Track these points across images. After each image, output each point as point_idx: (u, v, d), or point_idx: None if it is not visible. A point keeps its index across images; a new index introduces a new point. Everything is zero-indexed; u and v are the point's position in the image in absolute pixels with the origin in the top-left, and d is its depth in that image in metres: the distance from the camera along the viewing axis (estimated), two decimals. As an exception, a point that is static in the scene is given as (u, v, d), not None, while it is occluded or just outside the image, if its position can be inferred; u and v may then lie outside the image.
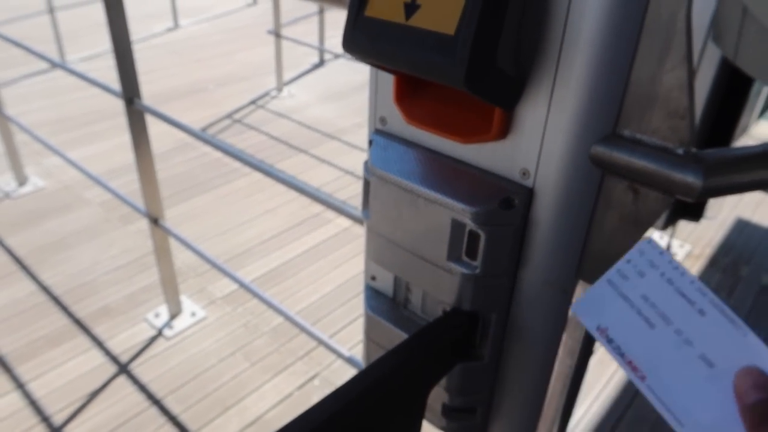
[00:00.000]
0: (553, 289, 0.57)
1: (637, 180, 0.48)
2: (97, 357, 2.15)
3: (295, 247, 2.73)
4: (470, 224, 0.55)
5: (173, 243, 2.10)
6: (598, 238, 0.54)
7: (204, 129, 3.73)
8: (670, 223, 1.18)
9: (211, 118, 3.93)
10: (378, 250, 0.66)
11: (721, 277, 2.57)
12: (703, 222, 2.88)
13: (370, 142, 0.64)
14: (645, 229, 0.51)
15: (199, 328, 2.28)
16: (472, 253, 0.57)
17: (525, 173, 0.54)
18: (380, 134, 0.64)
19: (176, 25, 5.72)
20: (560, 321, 0.59)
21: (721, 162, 0.46)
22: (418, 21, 0.47)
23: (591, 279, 0.56)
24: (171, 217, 2.88)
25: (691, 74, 0.44)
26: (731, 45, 0.43)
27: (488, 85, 0.47)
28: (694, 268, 2.62)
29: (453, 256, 0.58)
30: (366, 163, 0.63)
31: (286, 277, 2.56)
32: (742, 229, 2.88)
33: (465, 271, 0.58)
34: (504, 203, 0.54)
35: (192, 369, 2.10)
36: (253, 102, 4.18)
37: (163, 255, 2.15)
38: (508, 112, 0.52)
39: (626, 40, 0.46)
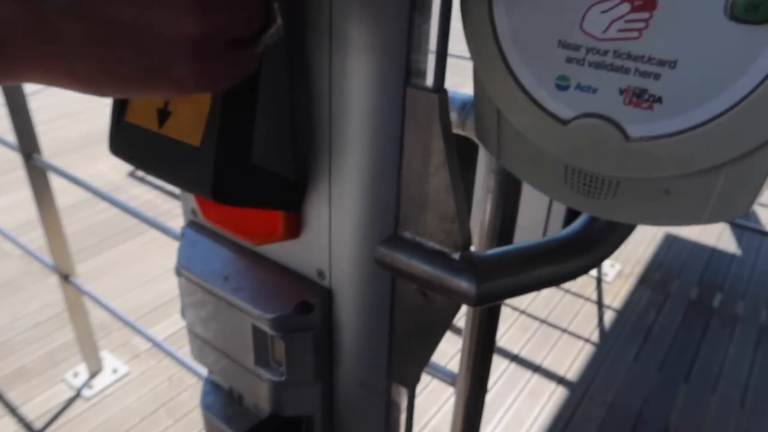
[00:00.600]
0: (368, 392, 0.53)
1: (421, 284, 0.45)
2: (9, 425, 2.02)
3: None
4: (269, 331, 0.51)
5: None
6: (403, 339, 0.50)
7: (132, 173, 3.62)
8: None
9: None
10: (199, 349, 0.61)
11: (651, 295, 2.59)
12: (634, 240, 2.92)
13: (182, 236, 0.60)
14: (443, 332, 0.47)
15: (121, 385, 2.18)
16: (279, 356, 0.53)
17: (321, 273, 0.50)
18: (192, 226, 0.59)
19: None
20: (381, 423, 0.55)
21: (498, 265, 0.43)
22: (169, 129, 0.43)
23: (406, 382, 0.52)
24: (87, 271, 2.76)
25: (455, 176, 0.41)
26: (493, 145, 0.40)
27: (246, 192, 0.43)
28: (625, 287, 2.64)
29: (260, 361, 0.54)
30: (176, 261, 0.59)
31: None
32: (670, 244, 2.92)
33: (273, 377, 0.53)
34: (301, 307, 0.50)
35: (111, 431, 1.99)
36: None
37: (76, 312, 2.05)
38: (293, 213, 0.49)
39: (390, 142, 0.43)
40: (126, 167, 3.64)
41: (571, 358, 2.29)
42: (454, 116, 0.48)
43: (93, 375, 2.20)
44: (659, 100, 0.31)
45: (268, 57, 0.40)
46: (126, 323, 1.82)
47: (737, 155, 0.30)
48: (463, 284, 0.42)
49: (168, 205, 3.27)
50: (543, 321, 2.47)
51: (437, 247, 0.44)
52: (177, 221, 3.12)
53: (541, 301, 2.57)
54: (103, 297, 1.90)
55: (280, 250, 0.53)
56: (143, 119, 0.45)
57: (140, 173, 3.63)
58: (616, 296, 2.60)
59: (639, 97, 0.32)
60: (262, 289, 0.52)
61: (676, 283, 2.66)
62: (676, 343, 2.35)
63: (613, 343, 2.35)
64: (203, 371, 1.67)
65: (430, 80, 0.40)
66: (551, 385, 2.18)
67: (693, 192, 0.33)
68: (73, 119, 4.41)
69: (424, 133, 0.41)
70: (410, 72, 0.41)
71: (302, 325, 0.50)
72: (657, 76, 0.31)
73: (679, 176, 0.32)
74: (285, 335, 0.50)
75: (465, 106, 0.49)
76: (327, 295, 0.50)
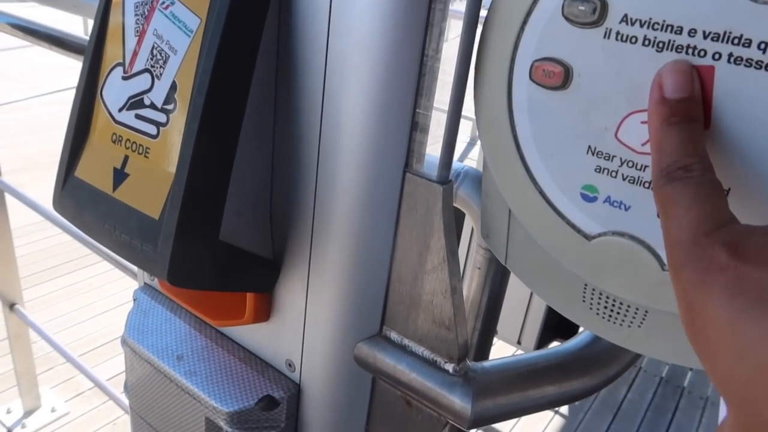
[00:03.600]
0: (331, 502, 0.47)
1: (407, 392, 0.39)
2: (-73, 464, 1.86)
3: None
4: (224, 427, 0.44)
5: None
6: (377, 447, 0.44)
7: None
8: (542, 345, 1.11)
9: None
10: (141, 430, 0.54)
11: (618, 366, 2.56)
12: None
13: (134, 300, 0.53)
14: (424, 446, 0.42)
15: (59, 425, 2.03)
16: (234, 455, 0.46)
17: (290, 365, 0.44)
18: (147, 291, 0.53)
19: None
20: None
21: (497, 382, 0.38)
22: (124, 194, 0.37)
23: (375, 492, 0.46)
24: (35, 297, 2.61)
25: (456, 279, 0.36)
26: (501, 247, 0.35)
27: (210, 275, 0.37)
28: (593, 356, 2.60)
29: (211, 458, 0.47)
30: (123, 330, 0.52)
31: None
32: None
33: (223, 479, 0.46)
34: (265, 402, 0.44)
35: (42, 478, 1.84)
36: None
37: (18, 344, 1.91)
38: (264, 294, 0.43)
39: (382, 230, 0.38)
40: (91, 190, 3.52)
41: (540, 430, 2.23)
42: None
43: (29, 413, 2.04)
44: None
45: (250, 117, 0.35)
46: (70, 360, 1.70)
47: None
48: (457, 402, 0.36)
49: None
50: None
51: (428, 354, 0.38)
52: (139, 252, 3.00)
53: (508, 364, 2.51)
54: (50, 327, 1.78)
55: (246, 332, 0.47)
56: (96, 178, 0.39)
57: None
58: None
59: (683, 224, 0.27)
60: (221, 376, 0.45)
61: (646, 359, 2.63)
62: (645, 421, 2.31)
63: (583, 417, 2.30)
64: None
65: (433, 168, 0.35)
66: (516, 456, 2.10)
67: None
68: (44, 135, 4.28)
69: (423, 226, 0.36)
70: (411, 155, 0.36)
71: (265, 422, 0.44)
72: (706, 203, 0.26)
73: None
74: (242, 433, 0.44)
75: (458, 175, 0.45)
76: (295, 390, 0.44)
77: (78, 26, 5.06)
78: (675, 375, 2.58)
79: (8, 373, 2.25)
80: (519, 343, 1.27)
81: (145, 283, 0.54)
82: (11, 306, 1.87)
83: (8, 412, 2.07)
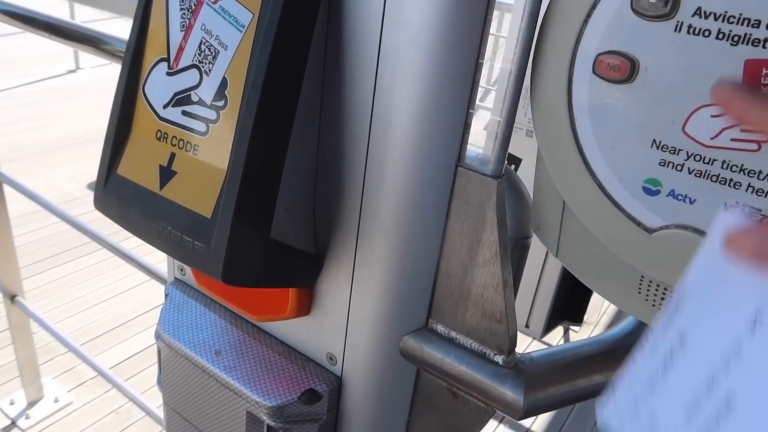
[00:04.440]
0: (372, 492, 0.47)
1: (454, 384, 0.40)
2: (-68, 456, 1.85)
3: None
4: (267, 420, 0.44)
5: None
6: (420, 438, 0.44)
7: (91, 185, 3.47)
8: (550, 329, 1.12)
9: (104, 170, 3.67)
10: (175, 427, 0.54)
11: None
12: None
13: (166, 296, 0.53)
14: (470, 436, 0.42)
15: (62, 415, 2.03)
16: (275, 448, 0.47)
17: (332, 358, 0.44)
18: (178, 286, 0.53)
19: (77, 67, 5.41)
20: None
21: (547, 372, 0.38)
22: (172, 192, 0.37)
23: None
24: (35, 287, 2.59)
25: (507, 273, 0.36)
26: (552, 240, 0.35)
27: (261, 272, 0.37)
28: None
29: (252, 451, 0.47)
30: (157, 325, 0.52)
31: (155, 360, 2.32)
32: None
33: (265, 472, 0.46)
34: (307, 396, 0.44)
35: (48, 467, 1.85)
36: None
37: (20, 335, 1.90)
38: (306, 288, 0.43)
39: (431, 224, 0.38)
40: (86, 178, 3.49)
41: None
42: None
43: (32, 403, 2.04)
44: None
45: (298, 111, 0.35)
46: (72, 349, 1.70)
47: None
48: (509, 393, 0.36)
49: (127, 223, 3.13)
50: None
51: (476, 346, 0.38)
52: (132, 240, 2.97)
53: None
54: (50, 318, 1.77)
55: (284, 326, 0.46)
56: (141, 175, 0.39)
57: (100, 187, 3.47)
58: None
59: (753, 218, 0.27)
60: (261, 371, 0.45)
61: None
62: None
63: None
64: (153, 406, 1.56)
65: (488, 162, 0.35)
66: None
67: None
68: (34, 124, 4.22)
69: (474, 221, 0.36)
70: (464, 150, 0.36)
71: (307, 415, 0.44)
72: (779, 197, 0.27)
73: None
74: (286, 426, 0.44)
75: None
76: (337, 384, 0.44)
77: (64, 10, 4.98)
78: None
79: (10, 364, 2.24)
80: (527, 326, 1.28)
81: (175, 278, 0.54)
82: (12, 297, 1.86)
83: (11, 403, 2.07)
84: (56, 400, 2.09)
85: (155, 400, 1.95)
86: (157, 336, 0.51)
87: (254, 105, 0.33)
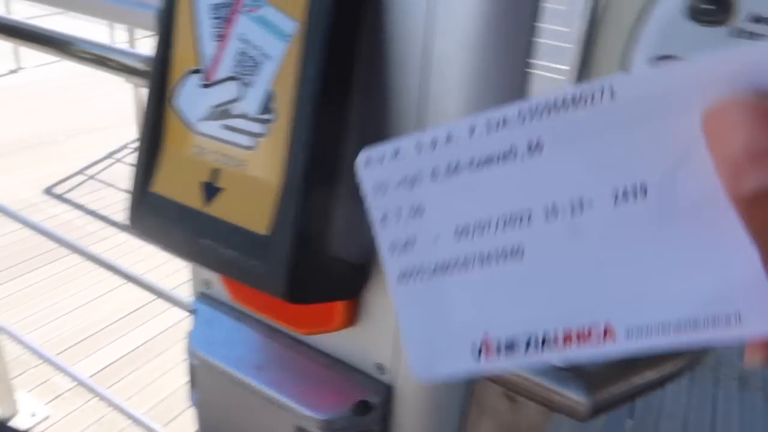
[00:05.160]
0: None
1: (513, 389, 0.40)
2: None
3: (144, 332, 2.41)
4: (317, 434, 0.44)
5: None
6: (472, 442, 0.44)
7: (53, 186, 3.34)
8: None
9: (61, 173, 3.53)
10: (210, 444, 0.52)
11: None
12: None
13: (193, 311, 0.51)
14: (526, 437, 0.42)
15: (40, 429, 1.97)
16: (323, 461, 0.46)
17: (381, 368, 0.44)
18: (205, 301, 0.51)
19: (19, 67, 5.17)
20: None
21: (608, 371, 0.38)
22: (219, 210, 0.36)
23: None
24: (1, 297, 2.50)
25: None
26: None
27: (319, 288, 0.36)
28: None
29: (300, 466, 0.46)
30: (188, 342, 0.50)
31: (136, 367, 2.25)
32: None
33: (315, 486, 0.46)
34: (359, 408, 0.43)
35: (30, 485, 1.79)
36: (110, 155, 3.84)
37: (-10, 350, 1.83)
38: (353, 299, 0.42)
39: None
40: (42, 182, 3.36)
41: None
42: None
43: (6, 420, 1.97)
44: None
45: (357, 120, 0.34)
46: (47, 360, 1.64)
47: None
48: (573, 396, 0.37)
49: (91, 227, 3.03)
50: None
51: (537, 349, 0.38)
52: (101, 245, 2.89)
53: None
54: (18, 329, 1.71)
55: (328, 337, 0.46)
56: (181, 193, 0.37)
57: (59, 190, 3.36)
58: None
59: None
60: (308, 384, 0.45)
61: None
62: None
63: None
64: (137, 412, 1.53)
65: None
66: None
67: None
68: (2, 123, 4.03)
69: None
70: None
71: (360, 428, 0.43)
72: None
73: None
74: (338, 440, 0.43)
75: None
76: (387, 393, 0.44)
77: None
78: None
79: (-18, 380, 2.15)
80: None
81: (201, 293, 0.52)
82: (-21, 311, 1.78)
83: (-15, 421, 1.99)
84: (33, 415, 2.02)
85: (139, 407, 1.91)
86: (190, 354, 0.49)
87: (309, 118, 0.32)
